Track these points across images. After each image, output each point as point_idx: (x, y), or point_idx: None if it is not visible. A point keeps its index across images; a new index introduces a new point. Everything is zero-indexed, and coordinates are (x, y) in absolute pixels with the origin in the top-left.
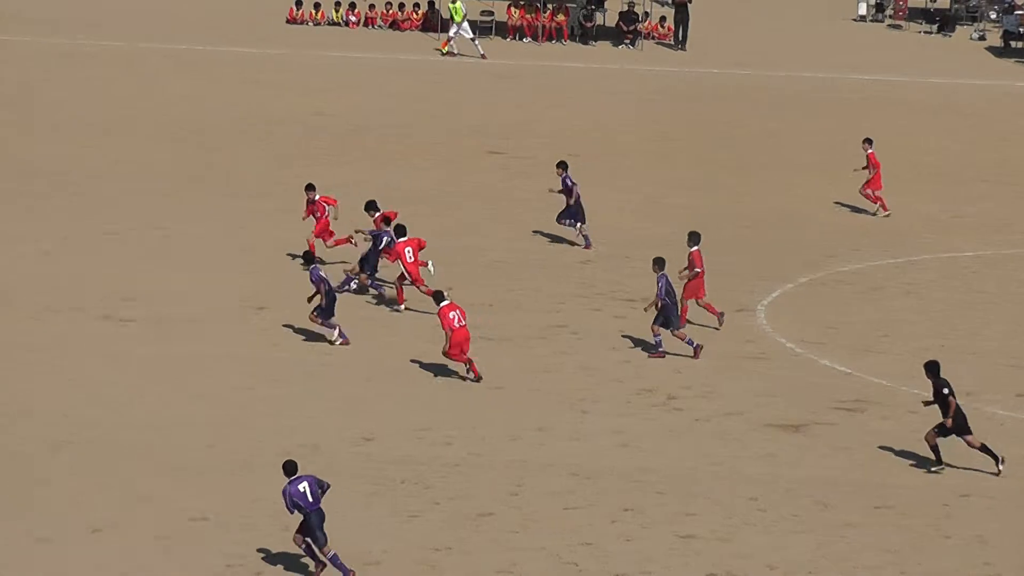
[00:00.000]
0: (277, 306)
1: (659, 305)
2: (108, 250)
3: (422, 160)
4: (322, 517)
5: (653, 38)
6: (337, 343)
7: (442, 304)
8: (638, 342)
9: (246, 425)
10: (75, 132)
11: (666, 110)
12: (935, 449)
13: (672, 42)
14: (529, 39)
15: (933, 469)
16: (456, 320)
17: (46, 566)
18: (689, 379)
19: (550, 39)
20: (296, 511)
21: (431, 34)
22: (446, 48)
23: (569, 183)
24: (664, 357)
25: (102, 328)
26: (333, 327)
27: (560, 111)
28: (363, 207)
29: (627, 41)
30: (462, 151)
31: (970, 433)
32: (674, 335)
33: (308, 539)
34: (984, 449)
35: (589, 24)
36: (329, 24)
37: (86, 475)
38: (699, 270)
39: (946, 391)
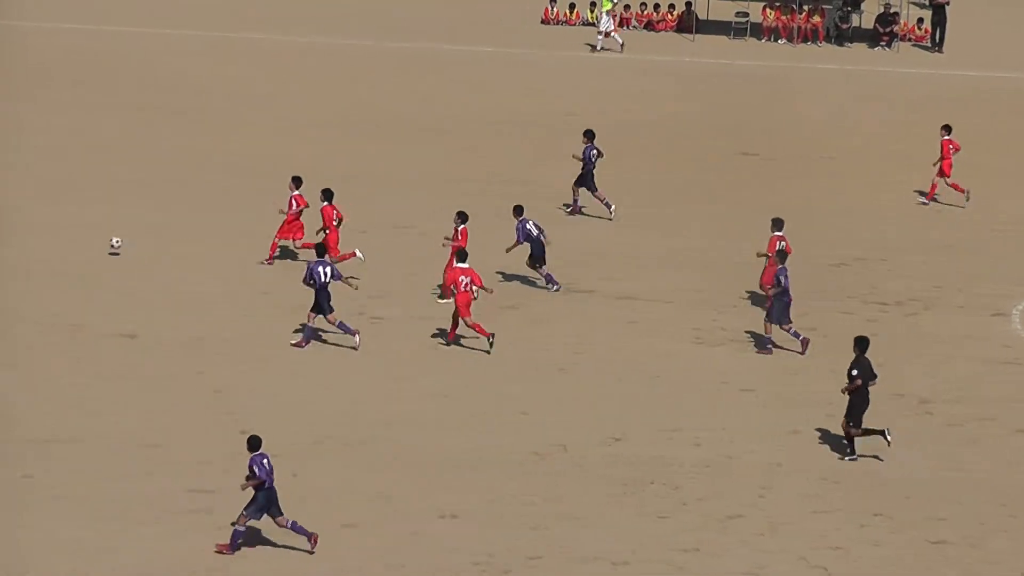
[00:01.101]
0: (528, 304)
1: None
2: (366, 249)
3: (671, 161)
4: (274, 495)
5: (910, 40)
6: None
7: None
8: (892, 345)
9: (494, 424)
10: (323, 132)
11: (927, 115)
12: None
13: (929, 44)
14: (784, 40)
15: None
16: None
17: (296, 563)
18: (942, 383)
19: (805, 40)
20: (264, 485)
21: (686, 35)
22: (606, 42)
23: (588, 153)
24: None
25: (358, 325)
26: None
27: (815, 112)
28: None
29: (883, 43)
30: (714, 152)
31: None
32: (774, 327)
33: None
34: None
35: (845, 26)
36: (584, 24)
37: (336, 472)
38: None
39: None
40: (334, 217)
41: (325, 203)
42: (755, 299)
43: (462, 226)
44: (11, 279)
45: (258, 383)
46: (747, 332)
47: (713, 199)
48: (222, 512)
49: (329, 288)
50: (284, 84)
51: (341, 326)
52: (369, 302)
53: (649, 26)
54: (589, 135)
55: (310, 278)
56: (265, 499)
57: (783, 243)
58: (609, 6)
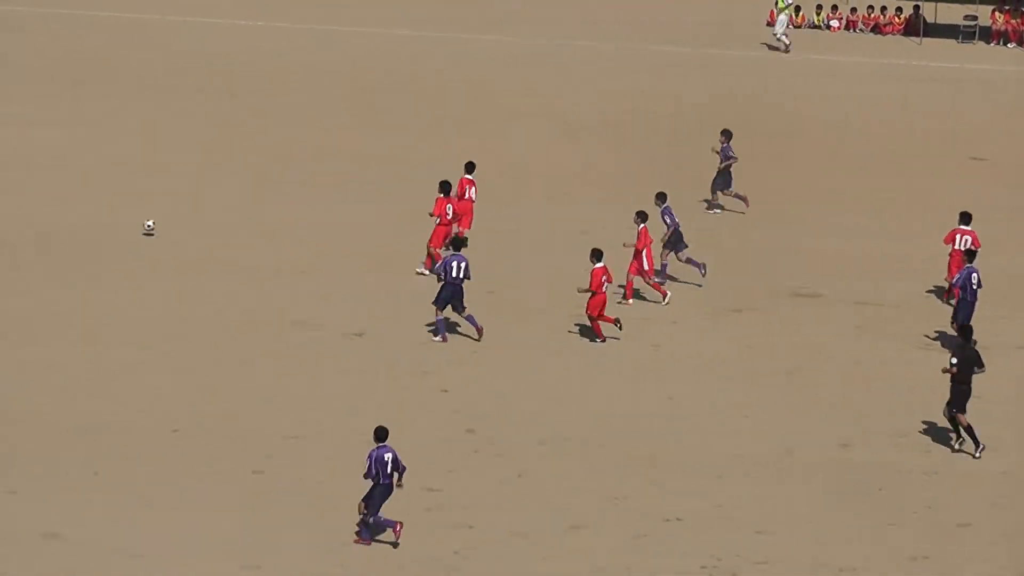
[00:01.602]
0: (752, 307)
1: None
2: (583, 250)
3: (895, 167)
4: (388, 492)
5: None
6: None
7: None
8: None
9: (718, 427)
10: (539, 134)
11: None
12: None
13: None
14: (1014, 44)
15: None
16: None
17: (522, 564)
18: None
19: None
20: (370, 479)
21: (913, 39)
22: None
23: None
24: None
25: (570, 327)
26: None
27: None
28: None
29: None
30: (939, 158)
31: None
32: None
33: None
34: None
35: None
36: (810, 27)
37: (562, 473)
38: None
39: None
40: (447, 211)
41: (441, 195)
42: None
43: (642, 225)
44: (248, 279)
45: (483, 382)
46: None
47: (938, 206)
48: (452, 509)
49: (462, 285)
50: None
51: (469, 319)
52: (573, 304)
53: (876, 29)
54: (727, 134)
55: (442, 270)
56: (380, 495)
57: (968, 238)
58: (783, 5)
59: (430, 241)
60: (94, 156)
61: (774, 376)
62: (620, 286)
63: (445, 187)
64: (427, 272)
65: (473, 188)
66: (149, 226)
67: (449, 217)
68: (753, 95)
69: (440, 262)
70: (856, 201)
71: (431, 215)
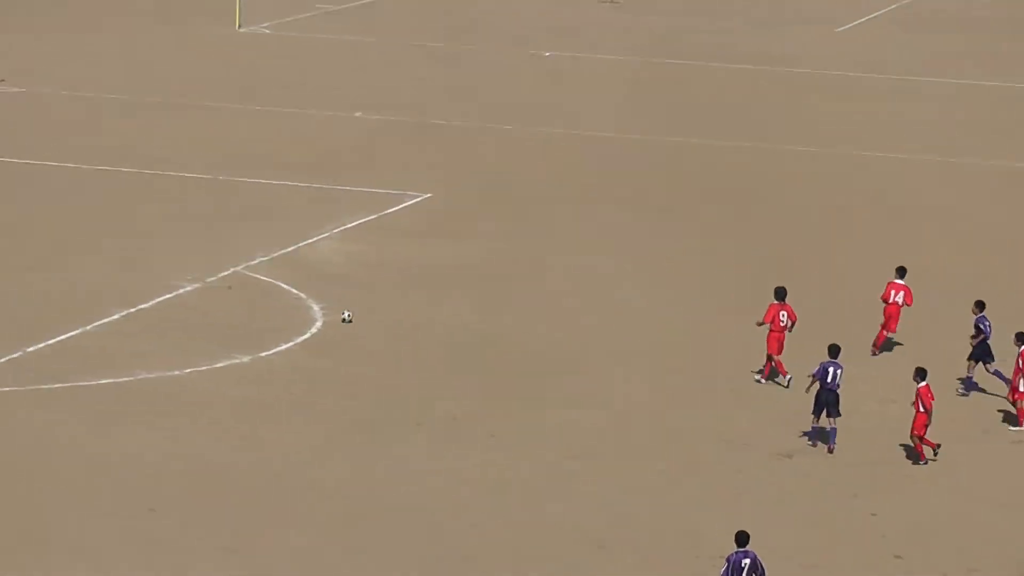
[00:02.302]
0: None
1: None
2: None
3: None
4: None
5: None
6: None
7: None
8: None
9: None
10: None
11: None
12: None
13: None
14: None
15: None
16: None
17: None
18: None
19: None
20: None
21: None
22: None
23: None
24: None
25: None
26: None
27: None
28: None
29: None
30: None
31: None
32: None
33: None
34: None
35: None
36: None
37: None
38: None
39: None
40: (780, 318)
41: (775, 301)
42: None
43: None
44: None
45: (912, 504)
46: None
47: None
48: None
49: (838, 391)
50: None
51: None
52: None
53: None
54: (980, 305)
55: (821, 374)
56: None
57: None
58: None
59: (768, 348)
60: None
61: None
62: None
63: (779, 293)
64: (762, 380)
65: (900, 293)
66: (347, 316)
67: (783, 324)
68: None
69: (818, 367)
70: None
71: (758, 323)
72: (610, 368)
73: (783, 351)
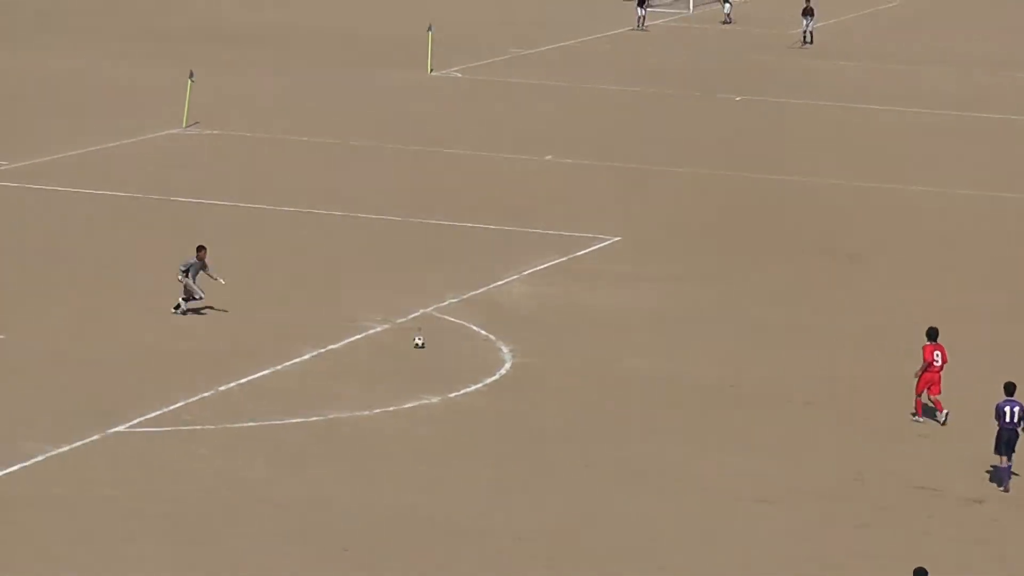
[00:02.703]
0: None
1: None
2: None
3: None
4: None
5: None
6: None
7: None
8: None
9: None
10: None
11: None
12: None
13: None
14: None
15: None
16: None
17: None
18: None
19: None
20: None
21: None
22: None
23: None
24: None
25: None
26: None
27: None
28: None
29: None
30: None
31: None
32: None
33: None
34: None
35: None
36: None
37: None
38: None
39: None
40: (934, 358)
41: (928, 342)
42: None
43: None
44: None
45: None
46: None
47: None
48: None
49: (1020, 429)
50: None
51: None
52: None
53: None
54: (1009, 388)
55: (997, 416)
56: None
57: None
58: None
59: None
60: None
61: None
62: None
63: (931, 334)
64: (920, 420)
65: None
66: (419, 342)
67: (937, 364)
68: None
69: (996, 407)
70: None
71: (919, 371)
72: (787, 413)
73: (941, 391)
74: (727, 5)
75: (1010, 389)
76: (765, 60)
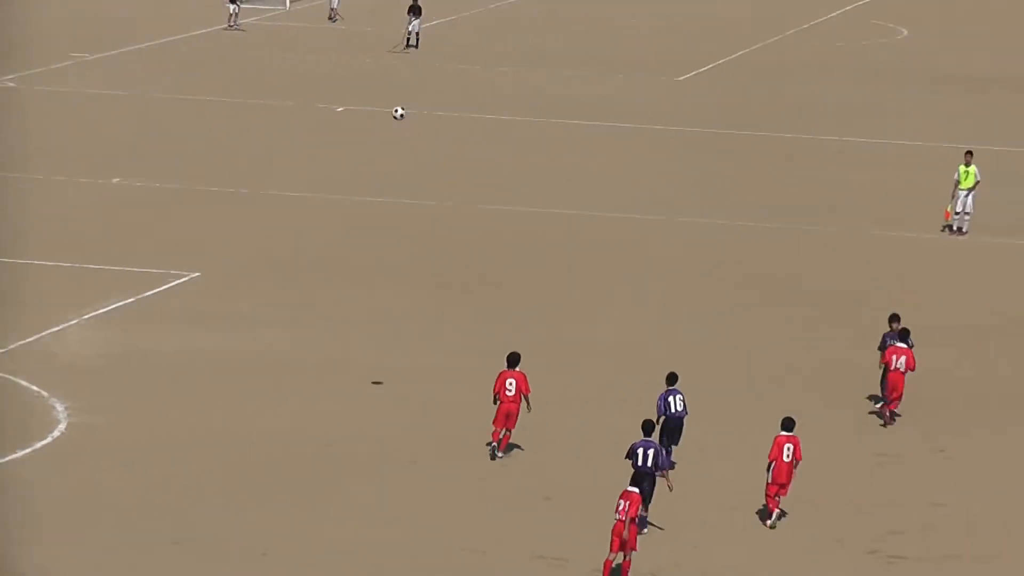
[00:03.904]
0: None
1: None
2: None
3: None
4: None
5: None
6: None
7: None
8: None
9: None
10: None
11: None
12: None
13: None
14: None
15: None
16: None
17: None
18: None
19: None
20: None
21: None
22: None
23: None
24: None
25: None
26: None
27: None
28: None
29: None
30: None
31: None
32: None
33: None
34: None
35: None
36: None
37: None
38: None
39: None
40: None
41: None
42: None
43: None
44: None
45: None
46: None
47: None
48: None
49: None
50: None
51: None
52: None
53: None
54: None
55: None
56: None
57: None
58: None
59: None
60: None
61: None
62: None
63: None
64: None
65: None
66: (399, 113)
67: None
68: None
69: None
70: None
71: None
72: (392, 472)
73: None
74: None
75: (672, 379)
76: (371, 64)
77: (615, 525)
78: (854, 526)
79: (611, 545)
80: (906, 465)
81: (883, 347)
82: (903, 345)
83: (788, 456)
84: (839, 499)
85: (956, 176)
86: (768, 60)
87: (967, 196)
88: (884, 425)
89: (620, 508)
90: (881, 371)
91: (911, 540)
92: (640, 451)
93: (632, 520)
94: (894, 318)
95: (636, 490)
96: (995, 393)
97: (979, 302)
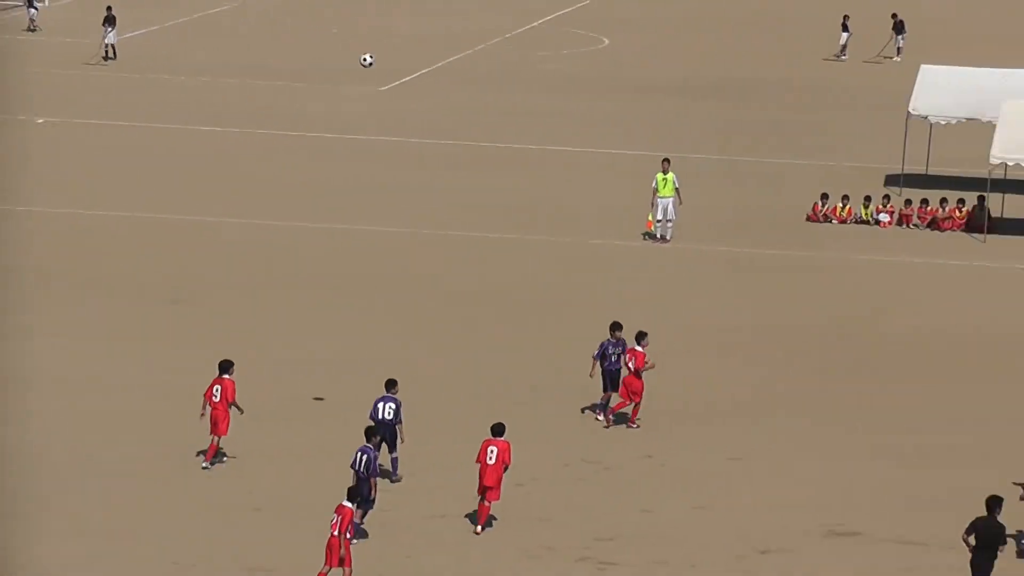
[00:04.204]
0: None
1: None
2: None
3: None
4: None
5: None
6: None
7: None
8: None
9: None
10: None
11: None
12: None
13: None
14: None
15: None
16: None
17: None
18: None
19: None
20: None
21: (976, 235)
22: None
23: None
24: None
25: None
26: None
27: None
28: None
29: None
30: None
31: None
32: None
33: None
34: None
35: None
36: (856, 222)
37: None
38: None
39: None
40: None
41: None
42: None
43: None
44: None
45: None
46: None
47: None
48: None
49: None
50: None
51: None
52: None
53: (933, 224)
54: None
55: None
56: None
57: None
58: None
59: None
60: None
61: None
62: None
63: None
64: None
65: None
66: (367, 61)
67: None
68: (793, 299)
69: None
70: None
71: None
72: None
73: None
74: (32, 10)
75: (389, 385)
76: (70, 75)
77: (329, 540)
78: (565, 533)
79: (325, 559)
80: (616, 472)
81: (600, 355)
82: (639, 348)
83: (492, 459)
84: (549, 505)
85: (654, 184)
86: (471, 70)
87: (668, 203)
88: (607, 427)
89: (333, 522)
90: (600, 376)
91: (621, 546)
92: (357, 455)
93: (344, 535)
94: (615, 326)
95: (350, 504)
96: (700, 400)
97: (682, 311)
